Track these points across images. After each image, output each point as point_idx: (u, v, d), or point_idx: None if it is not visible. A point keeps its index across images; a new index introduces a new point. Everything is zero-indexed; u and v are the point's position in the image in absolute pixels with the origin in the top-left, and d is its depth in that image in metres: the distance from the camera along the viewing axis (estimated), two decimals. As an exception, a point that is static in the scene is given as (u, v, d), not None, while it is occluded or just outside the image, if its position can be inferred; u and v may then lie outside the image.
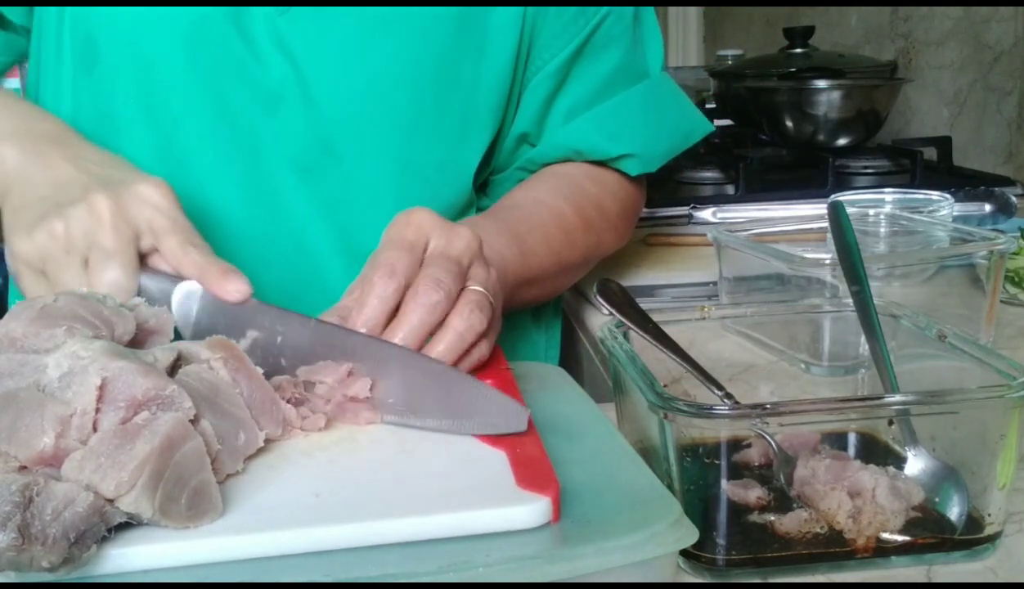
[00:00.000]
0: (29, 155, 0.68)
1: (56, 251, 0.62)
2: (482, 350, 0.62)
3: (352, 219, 0.84)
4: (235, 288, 0.61)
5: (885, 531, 0.51)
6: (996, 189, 1.25)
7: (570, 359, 1.11)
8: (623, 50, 0.92)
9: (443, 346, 0.59)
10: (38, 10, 0.84)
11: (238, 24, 0.80)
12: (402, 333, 0.58)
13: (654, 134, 0.93)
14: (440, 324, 0.59)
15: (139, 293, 0.62)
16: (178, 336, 0.60)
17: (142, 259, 0.63)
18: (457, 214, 0.88)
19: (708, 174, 1.45)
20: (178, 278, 0.62)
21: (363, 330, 0.59)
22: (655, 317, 0.64)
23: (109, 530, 0.43)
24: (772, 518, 0.52)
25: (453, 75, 0.85)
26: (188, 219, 0.65)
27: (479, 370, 0.62)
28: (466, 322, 0.60)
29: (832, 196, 0.81)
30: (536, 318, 0.99)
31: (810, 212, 1.04)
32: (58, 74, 0.83)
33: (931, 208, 0.94)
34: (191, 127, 0.81)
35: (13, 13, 0.85)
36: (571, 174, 0.91)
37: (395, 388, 0.56)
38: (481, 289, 0.62)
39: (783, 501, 0.53)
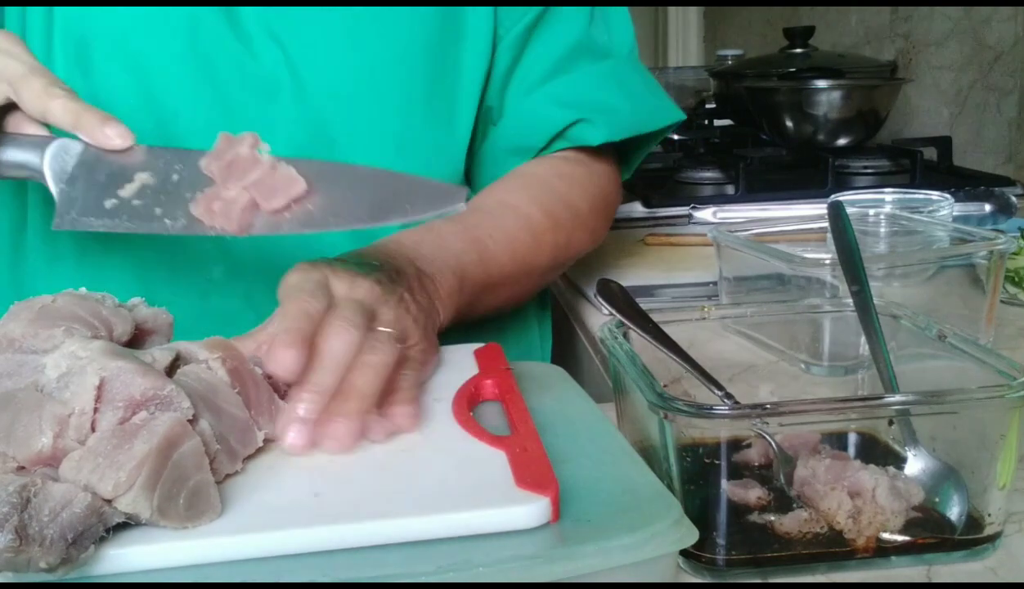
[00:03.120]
0: None
1: None
2: (408, 382, 0.58)
3: None
4: (116, 132, 0.57)
5: (885, 531, 0.51)
6: (996, 189, 1.25)
7: (570, 359, 1.11)
8: (580, 26, 0.91)
9: (361, 380, 0.54)
10: (25, 14, 0.84)
11: (230, 16, 0.81)
12: (327, 360, 0.54)
13: (613, 106, 0.91)
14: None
15: (3, 165, 0.58)
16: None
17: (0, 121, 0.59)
18: None
19: (708, 174, 1.45)
20: (45, 139, 0.58)
21: (289, 342, 0.53)
22: (655, 317, 0.63)
23: (107, 530, 0.43)
24: (772, 518, 0.52)
25: (440, 57, 0.86)
26: (41, 65, 0.61)
27: (479, 374, 0.62)
28: (377, 355, 0.55)
29: (832, 196, 0.81)
30: (524, 313, 0.99)
31: (810, 212, 1.03)
32: None
33: (931, 208, 0.94)
34: (189, 122, 0.81)
35: None
36: (539, 173, 0.90)
37: (316, 199, 0.54)
38: (387, 330, 0.59)
39: (783, 501, 0.53)
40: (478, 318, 0.81)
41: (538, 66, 0.90)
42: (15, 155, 0.58)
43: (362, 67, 0.83)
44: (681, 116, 0.96)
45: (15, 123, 0.60)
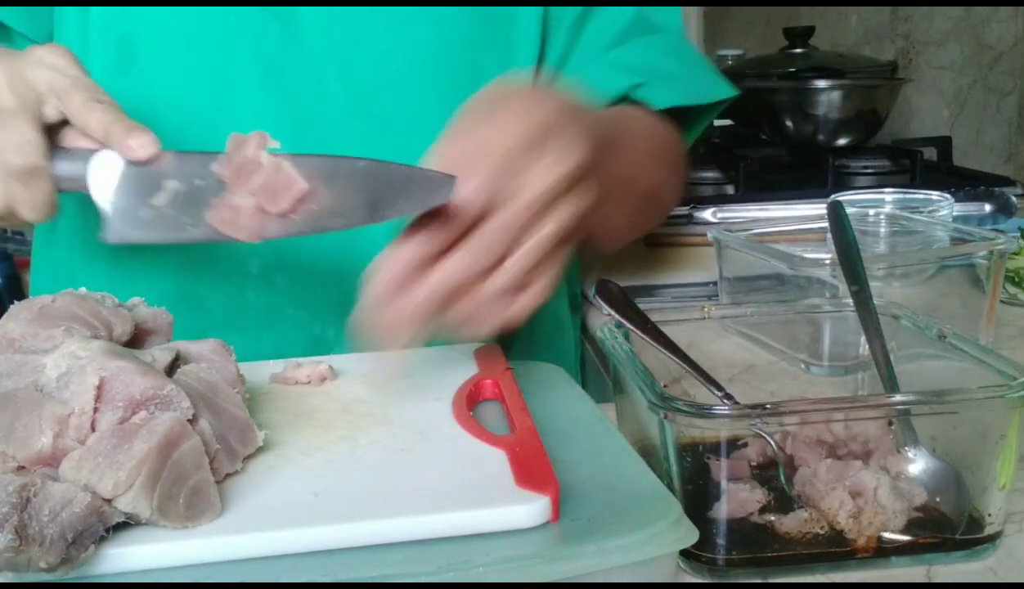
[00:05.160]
0: None
1: None
2: (531, 295, 0.56)
3: None
4: (139, 143, 0.57)
5: (886, 531, 0.51)
6: (996, 189, 1.25)
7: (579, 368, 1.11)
8: (631, 8, 0.91)
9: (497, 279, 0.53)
10: (56, 15, 0.84)
11: (277, 11, 0.80)
12: (431, 282, 0.53)
13: (675, 74, 0.89)
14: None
15: (58, 179, 0.59)
16: (100, 223, 0.58)
17: (54, 133, 0.61)
18: None
19: (708, 174, 1.45)
20: (90, 152, 0.59)
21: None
22: (655, 317, 0.63)
23: (107, 530, 0.43)
24: (772, 518, 0.52)
25: (491, 42, 0.85)
26: (89, 77, 0.62)
27: (479, 373, 0.62)
28: (526, 254, 0.53)
29: (832, 196, 0.81)
30: (558, 315, 0.99)
31: (810, 212, 1.03)
32: None
33: (931, 208, 0.94)
34: (242, 114, 0.80)
35: (13, 19, 0.85)
36: (641, 115, 0.87)
37: (320, 198, 0.54)
38: (553, 232, 0.55)
39: (783, 501, 0.52)
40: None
41: (595, 43, 0.89)
42: (64, 168, 0.60)
43: (408, 53, 0.82)
44: (736, 92, 0.94)
45: (71, 137, 0.62)
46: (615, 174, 0.70)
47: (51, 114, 0.61)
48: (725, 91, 0.93)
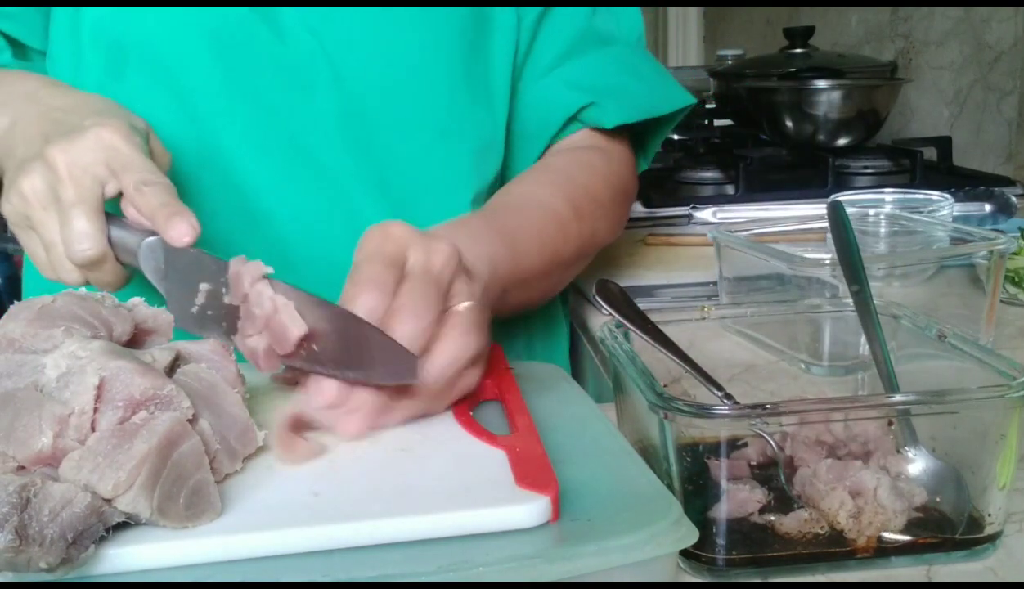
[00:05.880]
0: (11, 121, 0.69)
1: (31, 209, 0.62)
2: (472, 377, 0.59)
3: (401, 191, 0.84)
4: (177, 233, 0.59)
5: (886, 531, 0.51)
6: (996, 189, 1.25)
7: (570, 359, 1.11)
8: (583, 15, 0.92)
9: (435, 371, 0.55)
10: (52, 22, 0.84)
11: (264, 12, 0.80)
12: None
13: (624, 88, 0.91)
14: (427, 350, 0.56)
15: (112, 246, 0.61)
16: (153, 291, 0.59)
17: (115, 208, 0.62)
18: (494, 185, 0.89)
19: (708, 174, 1.45)
20: (143, 231, 0.61)
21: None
22: (655, 317, 0.63)
23: (107, 530, 0.43)
24: (772, 518, 0.52)
25: (473, 44, 0.86)
26: (145, 156, 0.63)
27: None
28: (458, 346, 0.56)
29: (832, 196, 0.81)
30: (553, 311, 0.99)
31: (810, 212, 1.04)
32: (77, 84, 0.82)
33: (931, 208, 0.94)
34: (227, 120, 0.81)
35: (32, 39, 0.85)
36: (560, 165, 0.90)
37: (317, 338, 0.55)
38: (468, 305, 0.59)
39: (783, 501, 0.52)
40: (507, 315, 0.81)
41: (548, 52, 0.90)
42: (123, 246, 0.61)
43: (399, 55, 0.83)
44: (692, 100, 0.95)
45: (132, 212, 0.63)
46: (516, 276, 0.75)
47: (112, 192, 0.62)
48: (679, 101, 0.94)
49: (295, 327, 0.54)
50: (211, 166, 0.80)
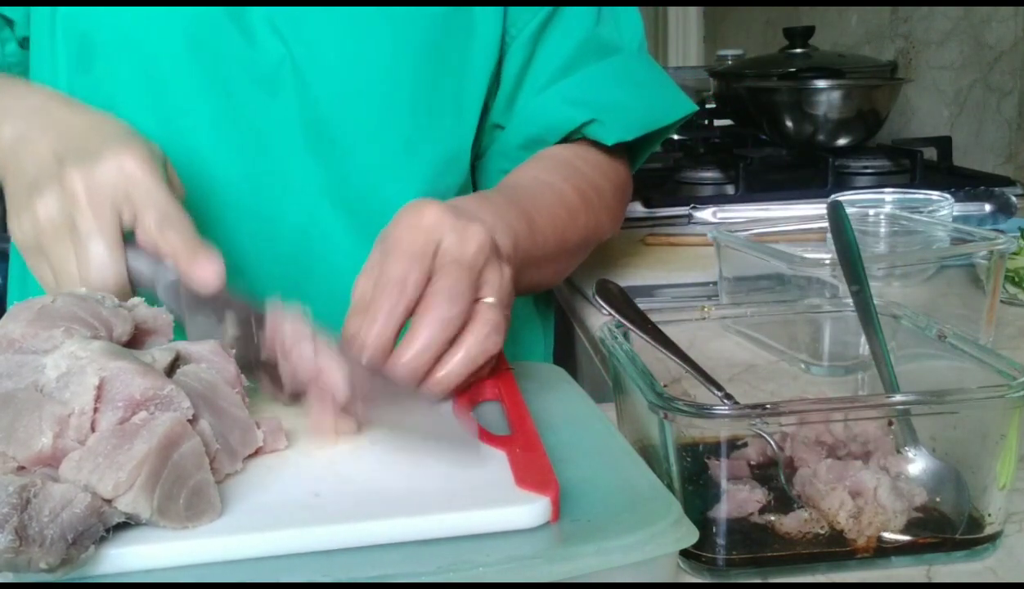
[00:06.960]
0: (19, 134, 0.67)
1: (44, 235, 0.61)
2: (485, 371, 0.60)
3: (360, 199, 0.84)
4: (201, 278, 0.59)
5: (886, 531, 0.51)
6: (996, 189, 1.25)
7: (570, 359, 1.11)
8: (588, 23, 0.92)
9: (449, 368, 0.57)
10: (33, 13, 0.84)
11: (233, 11, 0.81)
12: (412, 353, 0.56)
13: (624, 103, 0.91)
14: (451, 341, 0.57)
15: (130, 274, 0.60)
16: (179, 330, 0.59)
17: (129, 233, 0.62)
18: (458, 195, 0.89)
19: (708, 174, 1.45)
20: (160, 266, 0.60)
21: (372, 351, 0.56)
22: (655, 317, 0.63)
23: (107, 530, 0.43)
24: (772, 518, 0.52)
25: (446, 56, 0.86)
26: (166, 188, 0.62)
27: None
28: (480, 346, 0.57)
29: (832, 196, 0.81)
30: (535, 307, 0.99)
31: (810, 212, 1.04)
32: (53, 75, 0.83)
33: (931, 208, 0.94)
34: (195, 118, 0.81)
35: (22, 28, 0.85)
36: (564, 155, 0.90)
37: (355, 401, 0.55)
38: (495, 302, 0.59)
39: (783, 501, 0.52)
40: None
41: (549, 65, 0.90)
42: (141, 267, 0.61)
43: (365, 64, 0.83)
44: (693, 107, 0.96)
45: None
46: (533, 255, 0.75)
47: (130, 222, 0.61)
48: (679, 110, 0.94)
49: (339, 388, 0.54)
50: (180, 162, 0.79)
